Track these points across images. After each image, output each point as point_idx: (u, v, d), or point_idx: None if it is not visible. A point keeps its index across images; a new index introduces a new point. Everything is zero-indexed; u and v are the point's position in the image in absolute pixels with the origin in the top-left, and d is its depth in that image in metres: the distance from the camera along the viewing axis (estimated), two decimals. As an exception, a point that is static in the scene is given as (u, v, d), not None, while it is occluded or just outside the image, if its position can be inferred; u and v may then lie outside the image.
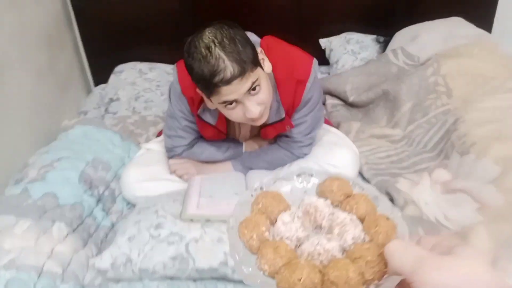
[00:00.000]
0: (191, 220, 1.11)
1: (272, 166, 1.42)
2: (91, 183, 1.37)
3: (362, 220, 0.51)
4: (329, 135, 1.50)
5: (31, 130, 1.66)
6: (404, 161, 1.54)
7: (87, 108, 2.03)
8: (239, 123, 1.36)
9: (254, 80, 1.08)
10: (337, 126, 1.68)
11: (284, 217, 0.51)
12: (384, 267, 0.43)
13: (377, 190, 0.56)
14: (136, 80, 2.07)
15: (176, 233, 1.08)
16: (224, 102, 1.09)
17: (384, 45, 2.11)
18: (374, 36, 2.16)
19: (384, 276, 0.43)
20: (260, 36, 1.30)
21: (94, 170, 1.42)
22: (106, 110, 1.94)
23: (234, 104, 1.10)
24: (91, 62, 2.22)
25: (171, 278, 1.07)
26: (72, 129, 1.59)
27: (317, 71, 1.29)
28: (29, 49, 1.71)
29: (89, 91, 2.26)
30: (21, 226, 1.13)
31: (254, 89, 1.09)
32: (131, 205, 1.43)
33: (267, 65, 1.17)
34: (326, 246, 0.46)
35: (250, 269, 0.47)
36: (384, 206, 0.53)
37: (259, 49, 1.14)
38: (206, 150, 1.43)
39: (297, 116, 1.33)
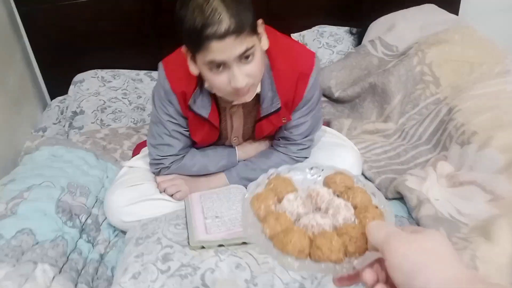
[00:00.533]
0: (202, 247, 0.98)
1: None
2: (71, 212, 1.21)
3: (356, 208, 0.59)
4: (326, 136, 1.41)
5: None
6: (401, 156, 1.49)
7: (45, 124, 1.82)
8: (231, 114, 1.24)
9: (249, 46, 0.95)
10: (328, 125, 1.59)
11: (290, 196, 0.60)
12: (365, 244, 0.52)
13: (377, 189, 0.63)
14: (100, 89, 1.88)
15: (187, 264, 0.94)
16: (211, 62, 0.96)
17: (358, 37, 2.06)
18: (347, 28, 2.11)
19: (366, 252, 0.51)
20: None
21: (72, 197, 1.25)
22: (70, 125, 1.74)
23: (221, 68, 0.97)
24: (44, 73, 2.00)
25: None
26: (38, 151, 1.41)
27: (319, 67, 1.19)
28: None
29: (45, 105, 2.04)
30: (-3, 275, 0.95)
31: (247, 57, 0.97)
32: (118, 231, 1.28)
33: (264, 41, 1.05)
34: (319, 221, 0.55)
35: (255, 232, 0.56)
36: (379, 200, 0.61)
37: (260, 21, 1.02)
38: (198, 162, 1.29)
39: (297, 116, 1.23)
